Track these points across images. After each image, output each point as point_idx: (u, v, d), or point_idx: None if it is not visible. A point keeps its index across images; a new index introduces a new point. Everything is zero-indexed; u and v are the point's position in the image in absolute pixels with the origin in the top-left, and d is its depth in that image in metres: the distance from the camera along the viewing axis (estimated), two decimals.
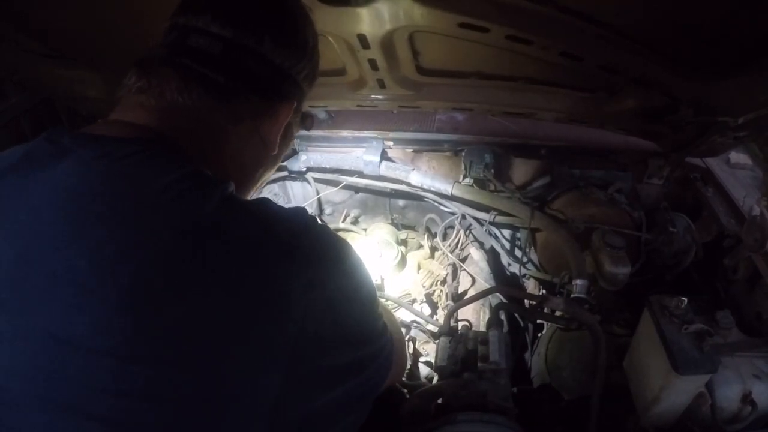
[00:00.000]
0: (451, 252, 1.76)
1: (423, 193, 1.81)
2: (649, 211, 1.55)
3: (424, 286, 1.70)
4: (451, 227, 1.86)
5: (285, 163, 1.84)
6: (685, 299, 1.04)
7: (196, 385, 0.48)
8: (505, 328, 1.27)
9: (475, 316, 1.50)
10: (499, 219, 1.71)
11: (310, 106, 1.66)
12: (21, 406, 0.46)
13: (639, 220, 1.52)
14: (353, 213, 2.06)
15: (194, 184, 0.57)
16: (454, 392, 1.05)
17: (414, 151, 1.85)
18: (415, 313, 1.54)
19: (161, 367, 0.47)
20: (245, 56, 0.67)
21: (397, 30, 1.09)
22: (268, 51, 0.68)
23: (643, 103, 1.27)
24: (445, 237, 1.88)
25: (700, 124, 1.20)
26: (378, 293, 1.55)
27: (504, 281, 1.70)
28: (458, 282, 1.68)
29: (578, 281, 1.30)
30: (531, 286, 1.68)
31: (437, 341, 1.34)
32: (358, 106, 1.56)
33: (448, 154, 1.83)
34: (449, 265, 1.74)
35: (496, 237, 1.78)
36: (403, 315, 1.57)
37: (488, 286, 1.54)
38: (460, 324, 1.44)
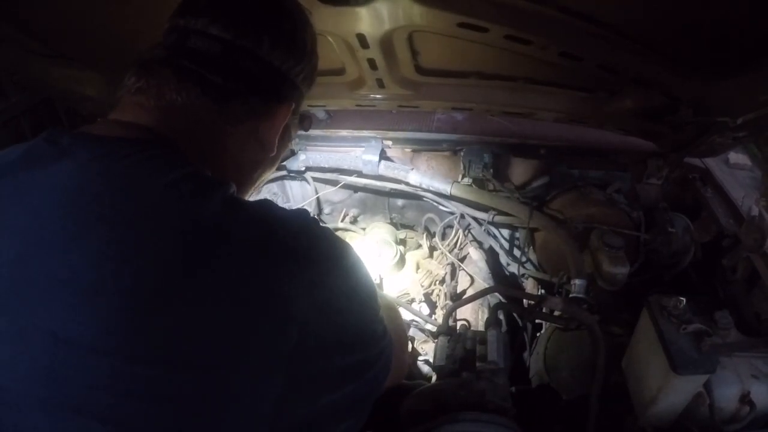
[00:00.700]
0: (450, 252, 1.76)
1: (422, 193, 1.81)
2: (648, 211, 1.55)
3: (422, 286, 1.70)
4: (450, 227, 1.86)
5: (284, 163, 1.83)
6: (684, 299, 1.04)
7: (197, 386, 0.48)
8: (504, 328, 1.27)
9: (473, 315, 1.50)
10: (498, 219, 1.71)
11: (309, 106, 1.66)
12: (21, 406, 0.46)
13: (638, 220, 1.52)
14: (352, 212, 2.06)
15: (195, 185, 0.57)
16: (453, 392, 1.05)
17: (413, 151, 1.85)
18: (414, 313, 1.54)
19: (162, 367, 0.47)
20: (244, 58, 0.67)
21: (396, 30, 1.09)
22: (267, 53, 0.69)
23: (643, 103, 1.27)
24: (443, 237, 1.88)
25: (700, 125, 1.20)
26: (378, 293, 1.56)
27: (503, 281, 1.71)
28: (457, 281, 1.68)
29: (577, 281, 1.30)
30: (530, 285, 1.69)
31: (436, 341, 1.34)
32: (357, 105, 1.56)
33: (447, 153, 1.84)
34: (448, 264, 1.74)
35: (494, 237, 1.78)
36: (401, 315, 1.57)
37: (487, 286, 1.54)
38: (459, 324, 1.44)
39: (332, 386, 0.60)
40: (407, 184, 1.78)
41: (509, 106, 1.46)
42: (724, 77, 1.02)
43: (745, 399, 1.01)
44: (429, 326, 1.53)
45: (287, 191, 2.04)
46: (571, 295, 1.28)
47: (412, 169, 1.77)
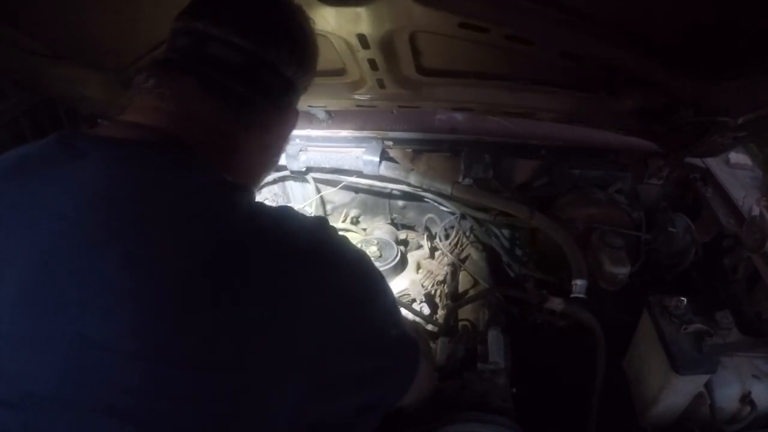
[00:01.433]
0: (451, 252, 1.76)
1: (422, 193, 1.81)
2: (648, 211, 1.55)
3: (423, 286, 1.70)
4: (451, 227, 1.86)
5: (285, 164, 1.83)
6: (685, 299, 1.04)
7: (226, 387, 0.49)
8: (505, 328, 1.27)
9: (474, 316, 1.50)
10: (499, 219, 1.71)
11: (310, 106, 1.66)
12: (50, 411, 0.46)
13: (639, 220, 1.52)
14: (353, 213, 2.06)
15: (220, 191, 0.59)
16: (454, 392, 1.05)
17: (414, 151, 1.85)
18: (415, 313, 1.54)
19: (191, 370, 0.48)
20: (265, 70, 0.69)
21: (396, 30, 1.09)
22: (284, 65, 0.71)
23: (643, 103, 1.27)
24: (444, 237, 1.88)
25: (700, 125, 1.20)
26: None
27: (504, 281, 1.70)
28: (458, 282, 1.68)
29: (578, 281, 1.30)
30: (530, 286, 1.68)
31: (437, 341, 1.34)
32: (357, 106, 1.56)
33: (447, 154, 1.83)
34: (449, 265, 1.74)
35: (495, 237, 1.78)
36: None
37: (488, 286, 1.54)
38: (460, 324, 1.44)
39: (349, 391, 0.63)
40: (408, 184, 1.78)
41: (510, 107, 1.46)
42: (724, 77, 1.02)
43: (746, 399, 1.01)
44: (430, 327, 1.53)
45: (288, 192, 2.04)
46: (572, 296, 1.28)
47: (413, 169, 1.77)
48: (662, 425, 1.07)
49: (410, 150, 1.85)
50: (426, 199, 1.84)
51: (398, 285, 1.71)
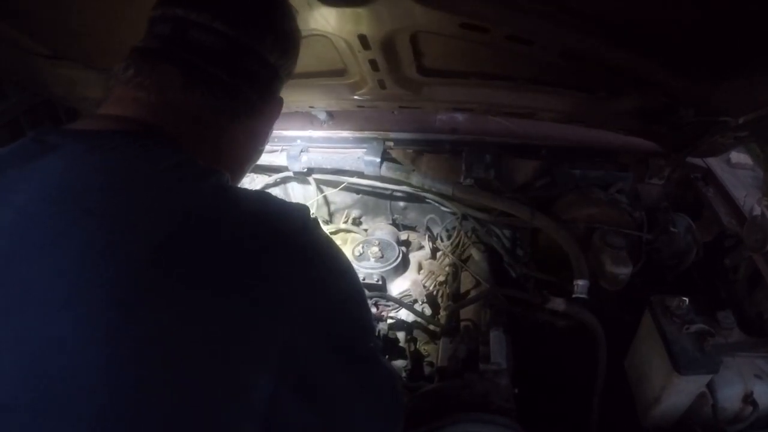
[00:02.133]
0: (452, 252, 1.76)
1: (424, 194, 1.81)
2: (650, 211, 1.55)
3: (425, 287, 1.70)
4: (452, 228, 1.86)
5: (286, 164, 1.84)
6: (686, 299, 1.04)
7: (185, 384, 0.47)
8: (506, 329, 1.27)
9: (476, 316, 1.49)
10: (500, 219, 1.71)
11: (311, 107, 1.66)
12: (12, 414, 0.44)
13: (640, 220, 1.52)
14: (354, 214, 2.05)
15: (187, 174, 0.57)
16: (456, 393, 1.05)
17: (415, 152, 1.85)
18: (417, 314, 1.54)
19: (148, 364, 0.46)
20: (248, 56, 0.67)
21: (397, 30, 1.09)
22: (267, 51, 0.69)
23: (644, 103, 1.27)
24: (446, 237, 1.88)
25: (701, 125, 1.20)
26: (380, 294, 1.56)
27: (505, 282, 1.70)
28: (459, 282, 1.68)
29: (579, 281, 1.30)
30: (532, 286, 1.68)
31: (438, 342, 1.34)
32: (358, 106, 1.56)
33: (448, 154, 1.83)
34: (450, 265, 1.74)
35: (497, 237, 1.78)
36: (404, 316, 1.57)
37: (489, 287, 1.54)
38: (462, 324, 1.44)
39: (325, 388, 0.59)
40: (409, 185, 1.78)
41: (510, 107, 1.46)
42: (724, 77, 1.02)
43: (748, 399, 1.01)
44: (432, 327, 1.53)
45: (289, 192, 2.04)
46: (573, 296, 1.28)
47: (414, 170, 1.77)
48: (664, 425, 1.07)
49: (411, 150, 1.85)
50: (427, 200, 1.85)
51: (400, 285, 1.71)
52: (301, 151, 1.82)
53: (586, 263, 1.37)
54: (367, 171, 1.78)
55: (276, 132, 1.88)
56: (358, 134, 1.85)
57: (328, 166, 1.86)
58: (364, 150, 1.79)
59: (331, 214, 2.08)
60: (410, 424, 1.02)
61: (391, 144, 1.83)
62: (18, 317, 0.46)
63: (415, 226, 2.05)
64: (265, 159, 1.87)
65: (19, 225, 0.49)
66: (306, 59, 1.32)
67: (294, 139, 1.86)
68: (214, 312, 0.49)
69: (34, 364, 0.44)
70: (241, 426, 0.50)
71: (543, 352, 1.39)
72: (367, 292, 1.58)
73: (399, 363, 1.47)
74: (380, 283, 1.62)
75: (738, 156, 1.99)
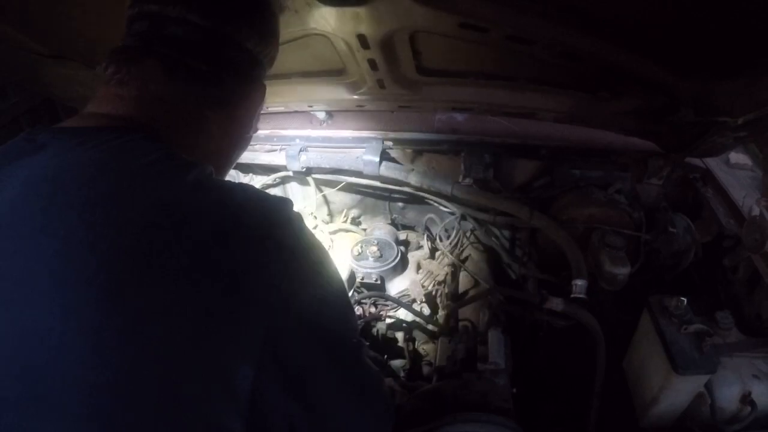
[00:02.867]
0: (451, 252, 1.76)
1: (423, 194, 1.81)
2: (648, 211, 1.55)
3: (424, 287, 1.70)
4: (451, 227, 1.86)
5: (285, 164, 1.84)
6: (685, 299, 1.04)
7: (167, 372, 0.48)
8: (505, 329, 1.27)
9: (474, 316, 1.50)
10: (499, 219, 1.71)
11: (310, 106, 1.66)
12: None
13: (639, 220, 1.52)
14: (353, 213, 2.06)
15: (168, 167, 0.57)
16: (454, 392, 1.05)
17: (414, 152, 1.85)
18: (415, 314, 1.54)
19: (132, 355, 0.47)
20: (225, 45, 0.68)
21: (396, 30, 1.09)
22: (245, 39, 0.70)
23: (644, 103, 1.27)
24: (445, 237, 1.88)
25: (700, 125, 1.20)
26: (379, 293, 1.56)
27: (504, 281, 1.70)
28: (458, 282, 1.68)
29: (578, 281, 1.30)
30: (531, 286, 1.68)
31: (437, 341, 1.34)
32: (357, 106, 1.56)
33: (447, 154, 1.83)
34: (449, 265, 1.74)
35: (496, 237, 1.78)
36: (402, 315, 1.57)
37: (488, 287, 1.54)
38: (460, 324, 1.44)
39: (311, 380, 0.59)
40: (408, 184, 1.78)
41: (510, 107, 1.46)
42: (724, 77, 1.02)
43: (746, 399, 1.01)
44: (430, 327, 1.53)
45: (288, 192, 2.04)
46: (572, 296, 1.28)
47: (413, 169, 1.77)
48: (662, 425, 1.07)
49: (410, 150, 1.85)
50: (426, 200, 1.84)
51: (398, 285, 1.71)
52: (300, 151, 1.82)
53: (584, 263, 1.37)
54: (366, 171, 1.78)
55: (275, 131, 1.89)
56: (357, 134, 1.85)
57: (327, 166, 1.86)
58: (363, 149, 1.79)
59: (330, 214, 2.08)
60: (409, 424, 1.02)
61: (390, 144, 1.83)
62: (3, 310, 0.47)
63: (414, 226, 2.05)
64: (264, 159, 1.87)
65: (6, 219, 0.51)
66: (305, 59, 1.33)
67: (293, 138, 1.86)
68: (194, 301, 0.50)
69: (20, 358, 0.45)
70: (225, 414, 0.50)
71: (542, 352, 1.39)
72: (365, 292, 1.59)
73: (397, 362, 1.47)
74: (379, 282, 1.63)
75: (737, 156, 1.99)
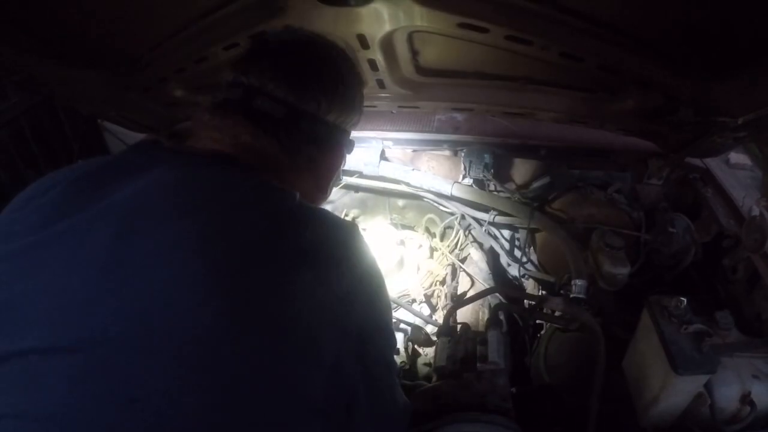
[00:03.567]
0: (451, 252, 1.76)
1: (422, 194, 1.81)
2: (648, 211, 1.55)
3: (423, 287, 1.70)
4: (451, 227, 1.86)
5: None
6: (685, 299, 1.04)
7: (267, 336, 0.56)
8: (504, 329, 1.27)
9: (474, 316, 1.50)
10: (499, 219, 1.71)
11: None
12: (123, 354, 0.52)
13: (638, 220, 1.52)
14: (352, 213, 2.06)
15: (269, 187, 0.69)
16: (453, 392, 1.05)
17: (413, 151, 1.85)
18: (415, 314, 1.54)
19: (237, 322, 0.55)
20: (305, 119, 0.78)
21: (396, 30, 1.09)
22: (324, 113, 0.80)
23: (643, 104, 1.27)
24: (444, 237, 1.88)
25: (700, 125, 1.20)
26: None
27: (503, 281, 1.70)
28: (457, 282, 1.68)
29: (577, 281, 1.30)
30: (530, 286, 1.69)
31: (436, 341, 1.34)
32: None
33: (447, 154, 1.84)
34: (448, 265, 1.74)
35: (495, 237, 1.78)
36: (402, 315, 1.57)
37: (487, 287, 1.54)
38: (459, 324, 1.44)
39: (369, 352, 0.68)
40: (408, 184, 1.78)
41: (510, 107, 1.46)
42: (724, 77, 1.02)
43: (746, 399, 1.01)
44: (429, 327, 1.53)
45: None
46: (571, 296, 1.28)
47: (413, 169, 1.77)
48: (662, 425, 1.07)
49: (410, 150, 1.85)
50: (426, 200, 1.85)
51: (398, 285, 1.71)
52: None
53: (584, 263, 1.37)
54: (366, 170, 1.78)
55: None
56: (357, 134, 1.84)
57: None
58: (363, 149, 1.79)
59: None
60: (408, 424, 1.02)
61: (390, 143, 1.83)
62: (124, 277, 0.56)
63: (414, 226, 2.05)
64: None
65: (133, 209, 0.61)
66: None
67: None
68: (293, 285, 0.60)
69: (135, 305, 0.54)
70: (310, 377, 0.58)
71: (541, 351, 1.39)
72: None
73: (397, 362, 1.47)
74: None
75: (737, 156, 2.00)
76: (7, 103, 2.08)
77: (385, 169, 1.78)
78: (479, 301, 1.48)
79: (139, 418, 0.50)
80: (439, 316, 1.58)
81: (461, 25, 1.02)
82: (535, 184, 1.71)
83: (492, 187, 1.73)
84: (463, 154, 1.74)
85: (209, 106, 0.78)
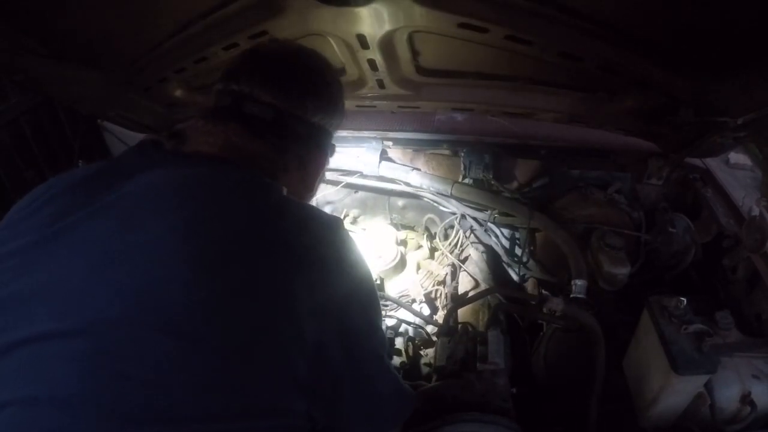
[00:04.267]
0: (451, 252, 1.76)
1: (422, 193, 1.81)
2: (648, 211, 1.55)
3: (423, 287, 1.70)
4: (451, 227, 1.86)
5: None
6: (685, 300, 1.04)
7: (254, 314, 0.61)
8: (505, 329, 1.27)
9: (474, 316, 1.50)
10: (499, 219, 1.71)
11: None
12: (117, 331, 0.56)
13: (638, 220, 1.52)
14: (353, 213, 2.06)
15: (256, 183, 0.73)
16: (454, 392, 1.05)
17: (413, 151, 1.85)
18: (415, 314, 1.54)
19: (230, 298, 0.60)
20: (292, 120, 0.83)
21: (396, 30, 1.09)
22: (311, 114, 0.85)
23: (643, 104, 1.27)
24: (444, 237, 1.88)
25: (700, 125, 1.20)
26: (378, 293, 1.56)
27: (503, 281, 1.70)
28: (458, 282, 1.68)
29: (577, 281, 1.30)
30: (530, 286, 1.68)
31: (436, 341, 1.34)
32: (357, 106, 1.56)
33: (447, 154, 1.83)
34: (449, 265, 1.74)
35: (495, 237, 1.78)
36: (402, 315, 1.57)
37: (488, 287, 1.54)
38: (460, 324, 1.44)
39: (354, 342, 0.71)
40: (408, 184, 1.78)
41: (509, 107, 1.46)
42: (724, 77, 1.02)
43: (746, 399, 1.01)
44: (430, 327, 1.53)
45: None
46: (571, 296, 1.28)
47: (413, 169, 1.77)
48: (662, 425, 1.07)
49: (410, 150, 1.85)
50: (426, 199, 1.85)
51: (398, 285, 1.71)
52: None
53: (584, 263, 1.37)
54: (366, 170, 1.78)
55: None
56: (357, 134, 1.85)
57: (327, 166, 1.85)
58: (363, 149, 1.79)
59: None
60: (408, 424, 1.02)
61: (390, 143, 1.83)
62: (127, 261, 0.60)
63: (414, 226, 2.05)
64: None
65: (133, 204, 0.66)
66: None
67: None
68: (278, 267, 0.64)
69: (131, 288, 0.58)
70: (294, 354, 0.62)
71: (541, 351, 1.39)
72: None
73: (397, 362, 1.47)
74: (378, 282, 1.63)
75: (737, 156, 1.99)
76: (7, 104, 2.08)
77: (385, 169, 1.78)
78: (479, 301, 1.48)
79: (132, 394, 0.54)
80: (440, 317, 1.58)
81: (461, 25, 1.02)
82: (535, 184, 1.71)
83: (492, 188, 1.73)
84: (463, 154, 1.74)
85: (203, 113, 0.83)
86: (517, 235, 1.76)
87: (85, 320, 0.57)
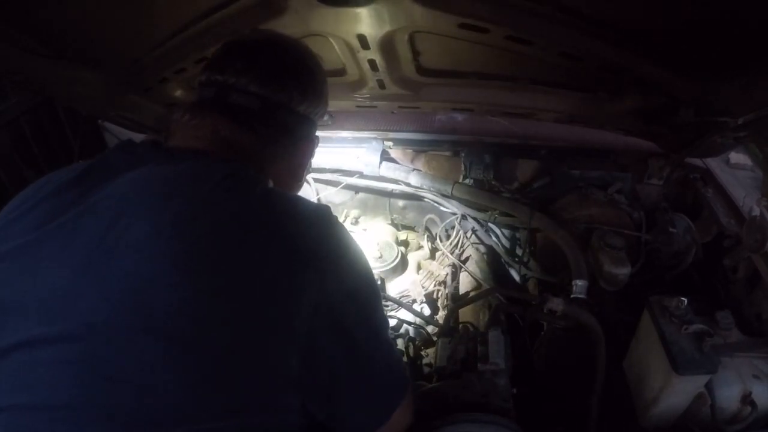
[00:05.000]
0: (451, 252, 1.76)
1: (423, 194, 1.81)
2: (648, 211, 1.55)
3: (424, 287, 1.70)
4: (451, 228, 1.86)
5: None
6: (685, 300, 1.04)
7: (243, 312, 0.60)
8: (505, 329, 1.27)
9: (474, 316, 1.50)
10: (499, 219, 1.71)
11: None
12: (106, 335, 0.56)
13: (639, 220, 1.52)
14: (353, 213, 2.06)
15: (242, 176, 0.72)
16: (454, 393, 1.05)
17: (414, 152, 1.85)
18: (415, 314, 1.54)
19: (216, 297, 0.59)
20: (278, 110, 0.83)
21: (396, 31, 1.09)
22: (296, 104, 0.85)
23: (644, 104, 1.27)
24: (445, 237, 1.88)
25: (700, 125, 1.20)
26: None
27: (504, 282, 1.70)
28: (458, 282, 1.68)
29: (578, 281, 1.30)
30: (531, 286, 1.68)
31: (437, 342, 1.34)
32: (358, 106, 1.56)
33: (447, 154, 1.83)
34: (449, 265, 1.74)
35: (496, 237, 1.78)
36: (403, 316, 1.57)
37: (488, 287, 1.54)
38: (460, 325, 1.44)
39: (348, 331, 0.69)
40: (408, 184, 1.78)
41: (510, 107, 1.46)
42: (724, 77, 1.02)
43: (747, 399, 1.00)
44: (430, 327, 1.53)
45: None
46: (572, 296, 1.28)
47: (413, 169, 1.77)
48: (662, 425, 1.07)
49: (410, 150, 1.85)
50: (426, 200, 1.85)
51: (399, 286, 1.71)
52: None
53: (584, 263, 1.37)
54: (366, 171, 1.78)
55: None
56: (357, 134, 1.85)
57: (327, 166, 1.86)
58: (363, 150, 1.79)
59: None
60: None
61: (391, 144, 1.83)
62: (112, 264, 0.59)
63: (414, 226, 2.05)
64: None
65: (120, 202, 0.65)
66: None
67: None
68: (266, 260, 0.63)
69: (118, 289, 0.58)
70: (285, 348, 0.62)
71: (541, 352, 1.39)
72: None
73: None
74: (379, 283, 1.62)
75: (737, 156, 1.99)
76: (7, 103, 2.09)
77: (386, 170, 1.77)
78: (480, 302, 1.48)
79: (124, 397, 0.55)
80: (440, 317, 1.58)
81: (462, 26, 1.02)
82: (536, 185, 1.71)
83: (492, 188, 1.73)
84: (463, 155, 1.74)
85: (188, 106, 0.82)
86: (518, 235, 1.77)
87: (74, 324, 0.57)
